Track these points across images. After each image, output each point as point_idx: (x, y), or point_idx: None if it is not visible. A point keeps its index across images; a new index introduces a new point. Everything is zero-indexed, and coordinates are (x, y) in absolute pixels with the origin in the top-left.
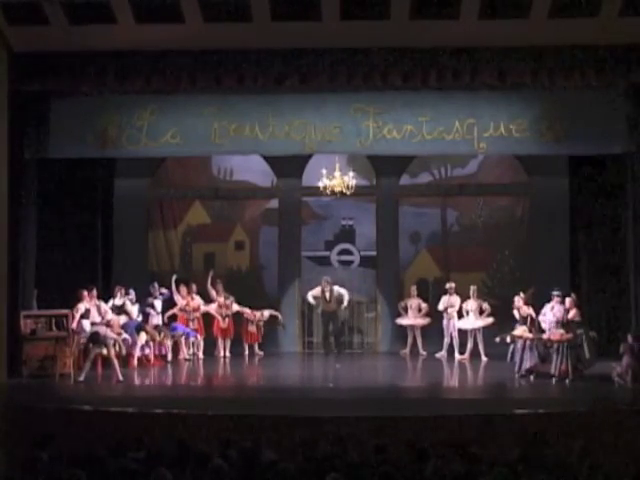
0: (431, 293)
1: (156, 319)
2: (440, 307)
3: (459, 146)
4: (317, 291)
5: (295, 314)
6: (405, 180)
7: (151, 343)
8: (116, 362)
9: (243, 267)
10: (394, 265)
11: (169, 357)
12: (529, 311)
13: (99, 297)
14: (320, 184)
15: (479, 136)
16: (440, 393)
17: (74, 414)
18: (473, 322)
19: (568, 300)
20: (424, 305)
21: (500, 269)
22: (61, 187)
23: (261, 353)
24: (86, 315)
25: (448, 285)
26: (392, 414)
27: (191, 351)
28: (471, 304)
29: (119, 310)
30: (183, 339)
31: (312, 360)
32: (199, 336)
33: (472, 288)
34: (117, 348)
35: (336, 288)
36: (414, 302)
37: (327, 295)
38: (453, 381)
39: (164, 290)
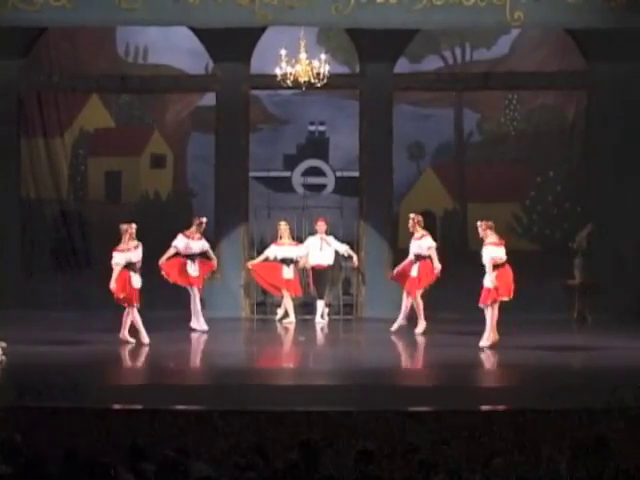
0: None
1: None
2: None
3: (484, 14)
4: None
5: (239, 263)
6: (403, 67)
7: None
8: None
9: (163, 193)
10: (385, 191)
11: None
12: None
13: None
14: (277, 71)
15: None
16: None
17: None
18: None
19: None
20: None
21: (541, 198)
22: None
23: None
24: None
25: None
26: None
27: None
28: None
29: None
30: None
31: (263, 330)
32: None
33: None
34: None
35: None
36: None
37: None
38: None
39: None
